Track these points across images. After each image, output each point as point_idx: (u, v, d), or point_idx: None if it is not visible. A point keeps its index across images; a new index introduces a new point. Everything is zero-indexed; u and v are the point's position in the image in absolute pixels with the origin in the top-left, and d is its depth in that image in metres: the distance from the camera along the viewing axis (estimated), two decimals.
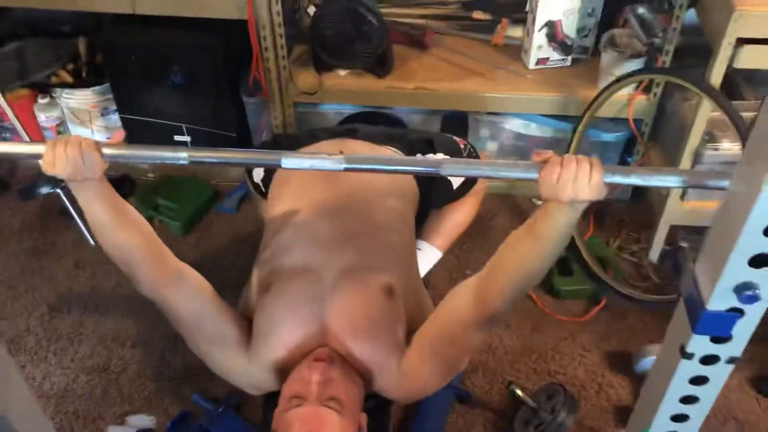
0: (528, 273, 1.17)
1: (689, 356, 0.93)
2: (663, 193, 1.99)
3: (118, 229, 1.22)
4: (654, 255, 2.08)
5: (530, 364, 1.86)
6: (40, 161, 1.13)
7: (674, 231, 2.02)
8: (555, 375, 1.83)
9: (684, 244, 1.00)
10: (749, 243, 0.79)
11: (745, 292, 0.82)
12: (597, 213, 2.23)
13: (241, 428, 1.70)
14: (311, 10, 2.19)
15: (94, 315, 1.99)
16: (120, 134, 1.19)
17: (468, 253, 2.14)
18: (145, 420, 1.74)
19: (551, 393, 1.69)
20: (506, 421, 1.72)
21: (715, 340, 0.90)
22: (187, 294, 1.32)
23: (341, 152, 1.54)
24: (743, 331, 0.88)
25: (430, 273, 1.98)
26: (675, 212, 1.97)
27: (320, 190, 1.49)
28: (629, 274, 2.07)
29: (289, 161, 1.08)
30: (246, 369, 1.34)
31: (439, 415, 1.74)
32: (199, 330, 1.34)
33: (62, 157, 1.09)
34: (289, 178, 1.60)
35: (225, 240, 2.22)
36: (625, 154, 2.29)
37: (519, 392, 1.67)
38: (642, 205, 2.26)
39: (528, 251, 1.15)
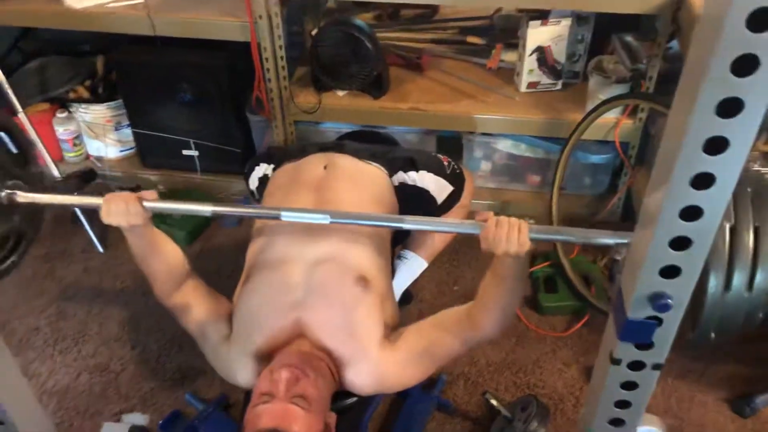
0: (503, 302, 1.39)
1: (617, 362, 0.99)
2: None
3: (149, 260, 1.50)
4: None
5: (511, 377, 1.92)
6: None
7: None
8: (534, 388, 1.89)
9: (618, 257, 1.08)
10: (658, 255, 0.86)
11: (658, 300, 0.89)
12: None
13: (229, 427, 1.78)
14: (315, 32, 2.30)
15: (98, 317, 2.10)
16: (154, 192, 1.45)
17: (456, 269, 2.21)
18: (139, 418, 1.83)
19: (525, 404, 1.75)
20: (483, 430, 1.78)
21: (639, 347, 0.97)
22: (186, 308, 1.52)
23: (325, 166, 1.65)
24: (663, 338, 0.95)
25: (418, 286, 2.07)
26: None
27: (303, 198, 1.59)
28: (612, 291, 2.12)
29: (286, 215, 1.37)
30: (230, 358, 1.44)
31: (420, 422, 1.80)
32: (199, 336, 1.52)
33: (114, 210, 1.38)
34: (278, 188, 1.70)
35: (226, 251, 2.33)
36: (615, 177, 2.35)
37: (493, 401, 1.73)
38: (630, 227, 2.30)
39: (496, 288, 1.39)
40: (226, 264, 2.24)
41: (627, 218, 2.37)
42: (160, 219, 2.37)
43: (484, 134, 2.33)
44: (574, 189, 2.38)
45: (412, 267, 1.96)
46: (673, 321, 0.92)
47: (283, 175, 1.73)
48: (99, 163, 2.58)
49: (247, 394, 1.48)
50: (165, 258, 1.50)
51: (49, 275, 2.25)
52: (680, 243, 0.84)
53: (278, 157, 1.79)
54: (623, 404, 1.05)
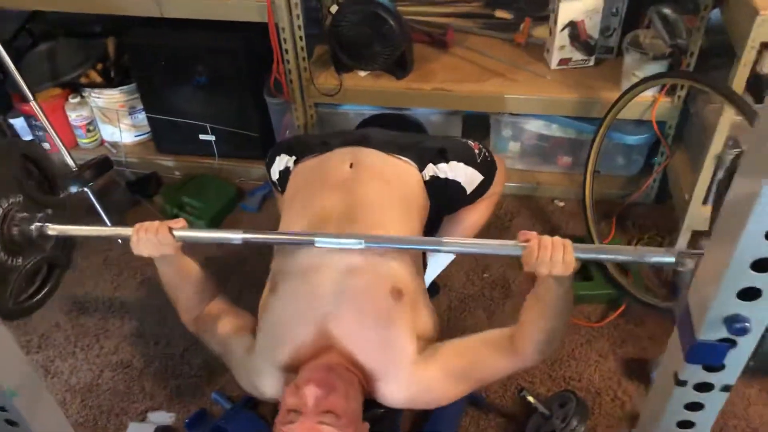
0: (547, 328, 1.33)
1: (683, 383, 0.92)
2: (685, 198, 1.96)
3: (179, 285, 1.51)
4: None
5: (545, 370, 1.85)
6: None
7: (697, 236, 1.98)
8: (570, 381, 1.82)
9: (682, 269, 0.99)
10: (738, 276, 0.78)
11: (735, 324, 0.81)
12: (619, 216, 2.21)
13: (257, 426, 1.74)
14: (335, 9, 2.19)
15: (119, 312, 2.05)
16: (182, 220, 1.42)
17: (485, 256, 2.13)
18: (165, 417, 1.79)
19: (564, 400, 1.68)
20: (518, 427, 1.72)
21: (708, 368, 0.89)
22: (211, 326, 1.51)
23: (351, 164, 1.55)
24: (736, 360, 0.87)
25: (447, 275, 2.00)
26: (697, 217, 1.94)
27: (330, 198, 1.50)
28: (650, 280, 2.04)
29: (320, 241, 1.35)
30: (255, 370, 1.40)
31: (453, 419, 1.75)
32: (224, 352, 1.51)
33: (144, 240, 1.37)
34: (301, 188, 1.61)
35: None
36: (650, 157, 2.25)
37: (531, 399, 1.66)
38: (665, 209, 2.22)
39: (540, 313, 1.33)
40: (249, 254, 2.17)
41: (660, 200, 2.27)
42: (179, 207, 2.32)
43: (512, 114, 2.23)
44: (607, 170, 2.28)
45: (440, 258, 1.90)
46: (749, 344, 0.85)
47: (306, 173, 1.63)
48: (114, 150, 2.51)
49: None
50: (194, 282, 1.50)
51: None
52: (764, 265, 0.76)
53: (299, 149, 1.69)
54: (687, 424, 0.98)
